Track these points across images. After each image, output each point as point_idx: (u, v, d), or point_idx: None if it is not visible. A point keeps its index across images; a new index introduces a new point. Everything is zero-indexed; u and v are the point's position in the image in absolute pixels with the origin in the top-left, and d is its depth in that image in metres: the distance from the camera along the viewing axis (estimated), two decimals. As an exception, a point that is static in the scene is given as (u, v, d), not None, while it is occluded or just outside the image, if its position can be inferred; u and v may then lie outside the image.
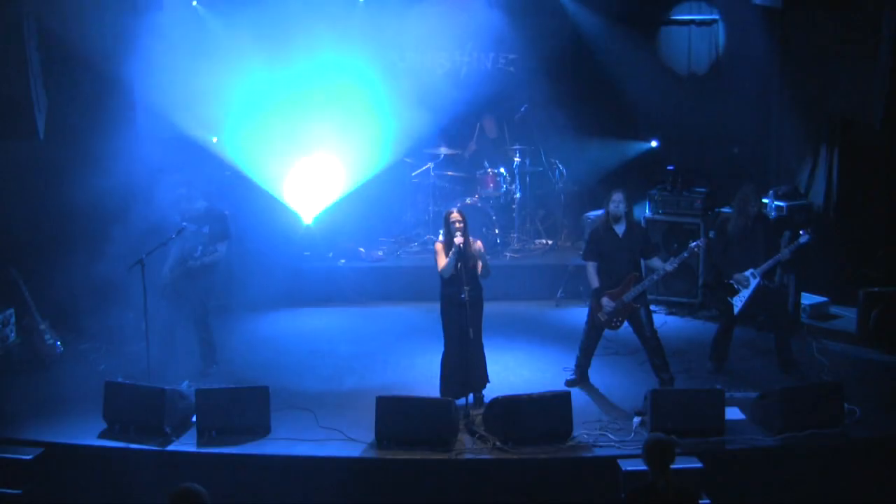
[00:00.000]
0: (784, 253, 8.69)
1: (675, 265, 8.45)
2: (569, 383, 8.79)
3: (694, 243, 8.59)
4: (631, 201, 8.74)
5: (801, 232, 8.73)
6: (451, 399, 7.94)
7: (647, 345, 8.57)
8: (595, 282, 8.59)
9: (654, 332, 8.57)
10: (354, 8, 11.91)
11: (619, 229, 8.57)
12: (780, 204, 10.27)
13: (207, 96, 10.98)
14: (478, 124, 12.48)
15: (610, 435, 7.77)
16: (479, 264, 8.22)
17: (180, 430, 7.90)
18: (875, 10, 9.10)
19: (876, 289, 9.88)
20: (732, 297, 8.83)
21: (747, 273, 8.75)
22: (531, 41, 12.24)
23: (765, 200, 10.44)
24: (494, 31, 12.24)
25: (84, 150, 10.23)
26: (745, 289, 8.76)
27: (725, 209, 10.48)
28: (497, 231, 11.83)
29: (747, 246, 8.81)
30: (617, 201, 8.52)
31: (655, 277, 8.66)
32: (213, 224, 8.99)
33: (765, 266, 8.74)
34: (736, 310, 8.82)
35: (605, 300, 8.51)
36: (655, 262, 8.59)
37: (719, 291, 9.00)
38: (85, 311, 10.11)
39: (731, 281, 8.80)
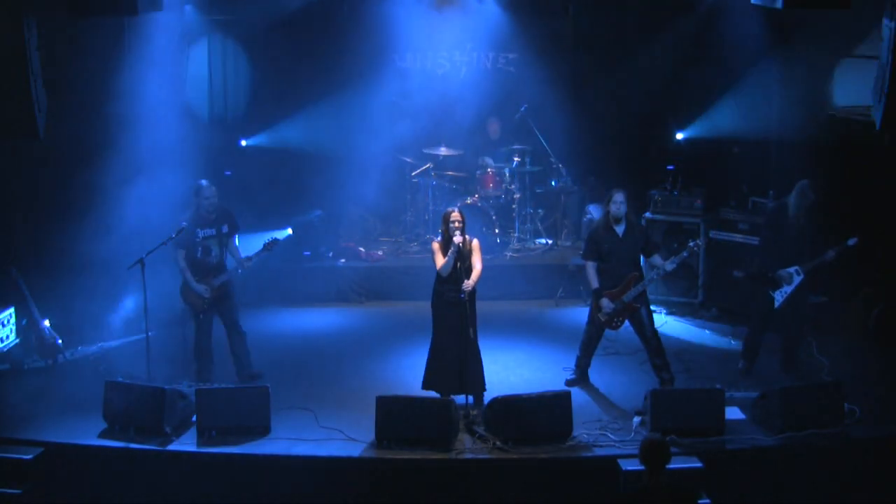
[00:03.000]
0: (829, 254, 8.64)
1: (675, 264, 8.46)
2: (569, 383, 8.80)
3: (692, 242, 8.59)
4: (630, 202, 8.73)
5: (849, 235, 8.67)
6: (451, 399, 7.94)
7: (648, 345, 8.57)
8: (595, 282, 8.59)
9: (654, 332, 8.57)
10: (353, 8, 11.90)
11: (619, 229, 8.57)
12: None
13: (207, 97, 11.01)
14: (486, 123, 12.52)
15: (610, 435, 7.79)
16: (474, 264, 8.21)
17: (180, 430, 7.91)
18: (875, 11, 9.08)
19: (876, 289, 9.87)
20: (774, 290, 8.81)
21: (791, 270, 8.72)
22: (531, 41, 12.23)
23: (763, 200, 10.46)
24: (494, 31, 12.23)
25: (85, 148, 10.26)
26: (788, 285, 8.74)
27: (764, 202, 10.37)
28: (497, 231, 11.83)
29: (797, 242, 8.75)
30: (618, 202, 8.51)
31: (655, 277, 8.66)
32: (230, 221, 8.90)
33: (810, 265, 8.70)
34: (777, 304, 8.79)
35: (604, 301, 8.51)
36: (656, 259, 8.59)
37: (763, 283, 8.93)
38: (85, 310, 10.12)
39: (777, 276, 8.75)
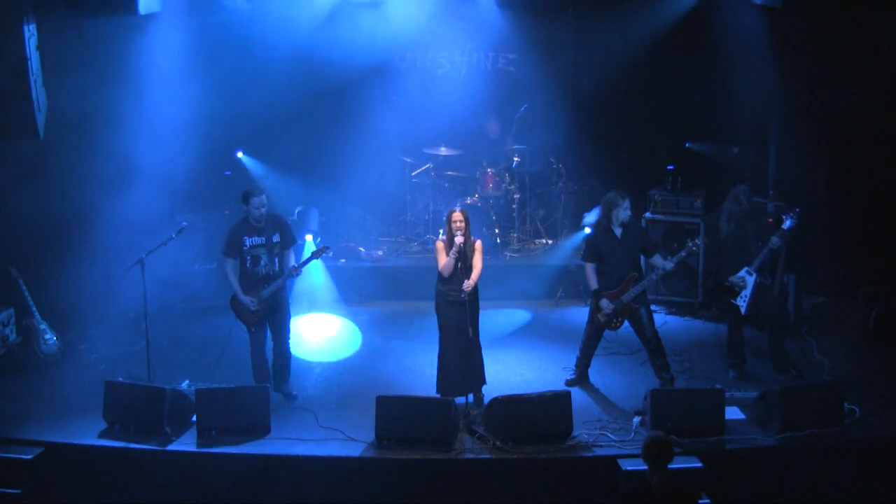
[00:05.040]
0: (773, 241, 8.66)
1: (674, 264, 8.47)
2: (569, 383, 8.80)
3: (691, 242, 8.59)
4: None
5: (783, 217, 8.71)
6: (451, 399, 7.95)
7: (649, 345, 8.58)
8: (594, 283, 8.59)
9: (655, 332, 8.57)
10: (354, 8, 11.91)
11: (618, 231, 8.57)
12: (780, 203, 10.28)
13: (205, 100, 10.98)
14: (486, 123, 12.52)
15: (610, 435, 7.79)
16: (475, 264, 8.21)
17: (180, 430, 7.91)
18: (875, 10, 9.10)
19: (876, 289, 9.88)
20: (735, 298, 8.83)
21: (742, 273, 8.75)
22: (531, 41, 12.23)
23: (763, 200, 10.46)
24: (494, 31, 12.23)
25: (85, 149, 10.27)
26: (744, 288, 8.77)
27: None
28: (497, 231, 11.82)
29: (741, 245, 8.81)
30: (626, 207, 8.50)
31: (654, 277, 8.67)
32: (282, 231, 8.52)
33: (758, 261, 8.74)
34: (743, 310, 8.81)
35: (604, 301, 8.51)
36: (657, 259, 8.60)
37: (721, 294, 9.00)
38: (85, 310, 10.13)
39: (729, 283, 8.79)
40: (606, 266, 8.58)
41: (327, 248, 8.71)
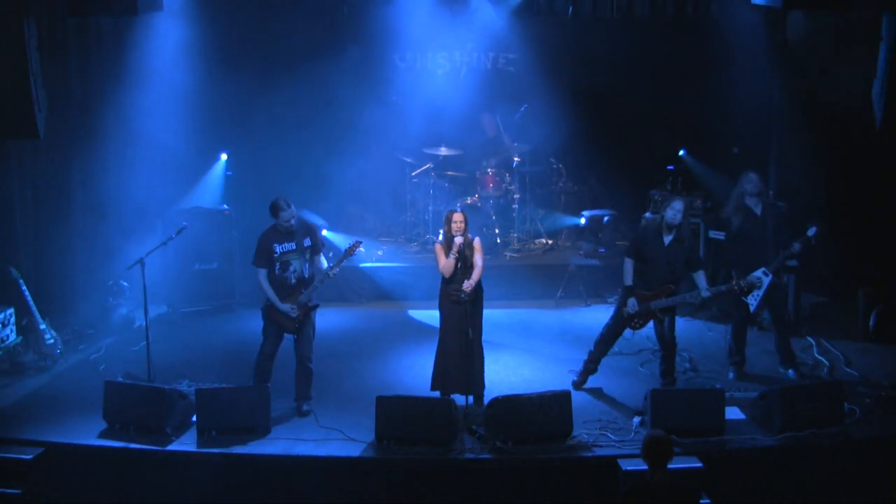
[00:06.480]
0: (794, 246, 8.64)
1: (711, 294, 8.43)
2: (576, 385, 8.74)
3: (735, 282, 8.48)
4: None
5: (807, 224, 8.68)
6: (451, 399, 7.94)
7: (665, 347, 8.49)
8: (628, 279, 8.51)
9: (673, 337, 8.48)
10: (354, 8, 11.91)
11: (667, 238, 8.45)
12: (780, 203, 10.28)
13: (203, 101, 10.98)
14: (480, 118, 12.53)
15: (610, 435, 7.79)
16: (475, 263, 8.21)
17: (180, 430, 7.90)
18: (875, 11, 9.09)
19: (876, 289, 9.88)
20: (746, 296, 8.79)
21: (759, 273, 8.71)
22: (531, 41, 12.24)
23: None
24: (494, 31, 12.24)
25: (85, 147, 10.29)
26: (759, 289, 8.73)
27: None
28: (497, 231, 11.83)
29: (758, 241, 8.76)
30: (676, 209, 8.37)
31: (688, 299, 8.56)
32: (312, 236, 8.38)
33: (776, 263, 8.70)
34: (752, 308, 8.78)
35: (632, 300, 8.45)
36: (699, 277, 8.46)
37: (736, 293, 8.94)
38: (85, 310, 10.13)
39: (745, 282, 8.69)
40: (644, 268, 8.47)
41: (359, 243, 8.45)
